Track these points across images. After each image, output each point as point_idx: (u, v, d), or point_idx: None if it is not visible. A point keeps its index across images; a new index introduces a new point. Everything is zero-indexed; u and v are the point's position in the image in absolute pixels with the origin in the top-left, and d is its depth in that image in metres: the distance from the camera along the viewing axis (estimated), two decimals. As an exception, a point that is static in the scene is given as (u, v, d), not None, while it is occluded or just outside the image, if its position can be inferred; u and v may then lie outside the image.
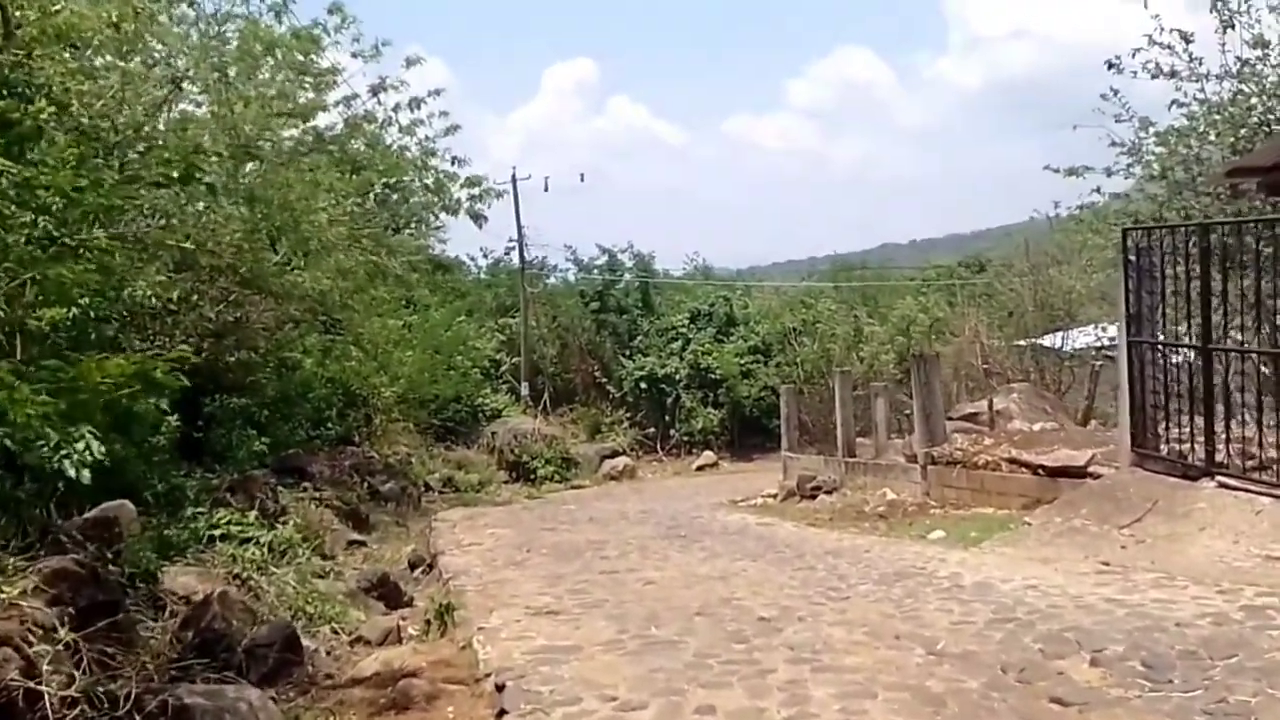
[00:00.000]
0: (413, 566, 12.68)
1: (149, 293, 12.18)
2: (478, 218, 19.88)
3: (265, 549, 8.63)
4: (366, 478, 19.69)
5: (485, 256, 36.11)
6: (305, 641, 7.28)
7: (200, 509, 8.92)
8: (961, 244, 60.17)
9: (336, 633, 7.86)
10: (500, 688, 5.66)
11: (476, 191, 19.56)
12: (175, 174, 6.70)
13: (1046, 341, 24.16)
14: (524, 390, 31.79)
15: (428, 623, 7.98)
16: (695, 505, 17.71)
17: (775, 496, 18.03)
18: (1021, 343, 23.91)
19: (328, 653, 7.08)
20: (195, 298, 14.07)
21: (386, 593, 9.41)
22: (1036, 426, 14.41)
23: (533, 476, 26.18)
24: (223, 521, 8.63)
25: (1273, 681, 4.89)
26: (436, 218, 22.75)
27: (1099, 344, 23.71)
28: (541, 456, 26.83)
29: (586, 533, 13.49)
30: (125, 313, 12.87)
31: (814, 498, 16.31)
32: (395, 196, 20.51)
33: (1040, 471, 11.48)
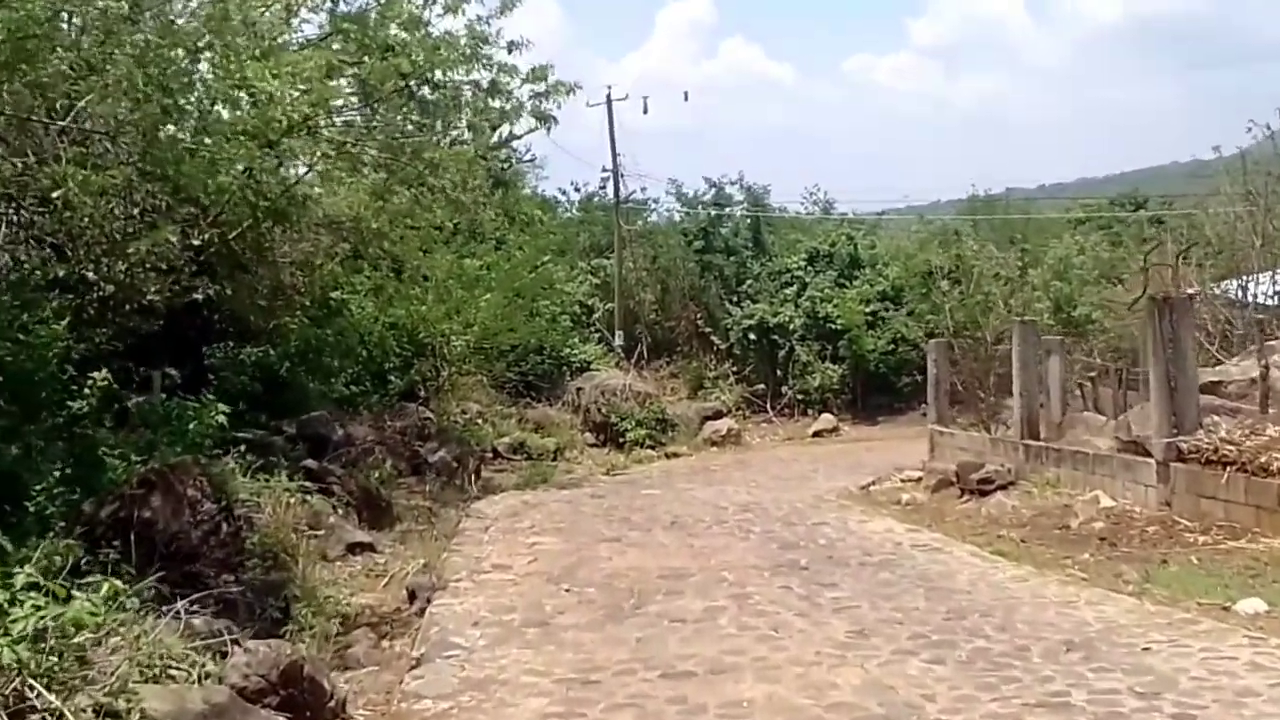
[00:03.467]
0: (412, 597, 8.83)
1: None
2: (544, 119, 15.68)
3: (62, 628, 4.72)
4: (415, 444, 16.04)
5: (577, 190, 32.23)
6: None
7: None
8: (1093, 189, 54.24)
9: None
10: None
11: (542, 88, 15.37)
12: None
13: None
14: (617, 340, 28.01)
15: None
16: (815, 494, 13.75)
17: (920, 483, 13.72)
18: (1236, 287, 18.73)
19: None
20: (144, 214, 10.52)
21: (293, 697, 5.40)
22: (1337, 408, 9.65)
23: (622, 440, 22.23)
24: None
25: None
26: (502, 129, 18.73)
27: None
28: (632, 417, 22.82)
29: (662, 550, 9.46)
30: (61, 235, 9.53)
31: (984, 494, 11.90)
32: (442, 98, 16.48)
33: None
